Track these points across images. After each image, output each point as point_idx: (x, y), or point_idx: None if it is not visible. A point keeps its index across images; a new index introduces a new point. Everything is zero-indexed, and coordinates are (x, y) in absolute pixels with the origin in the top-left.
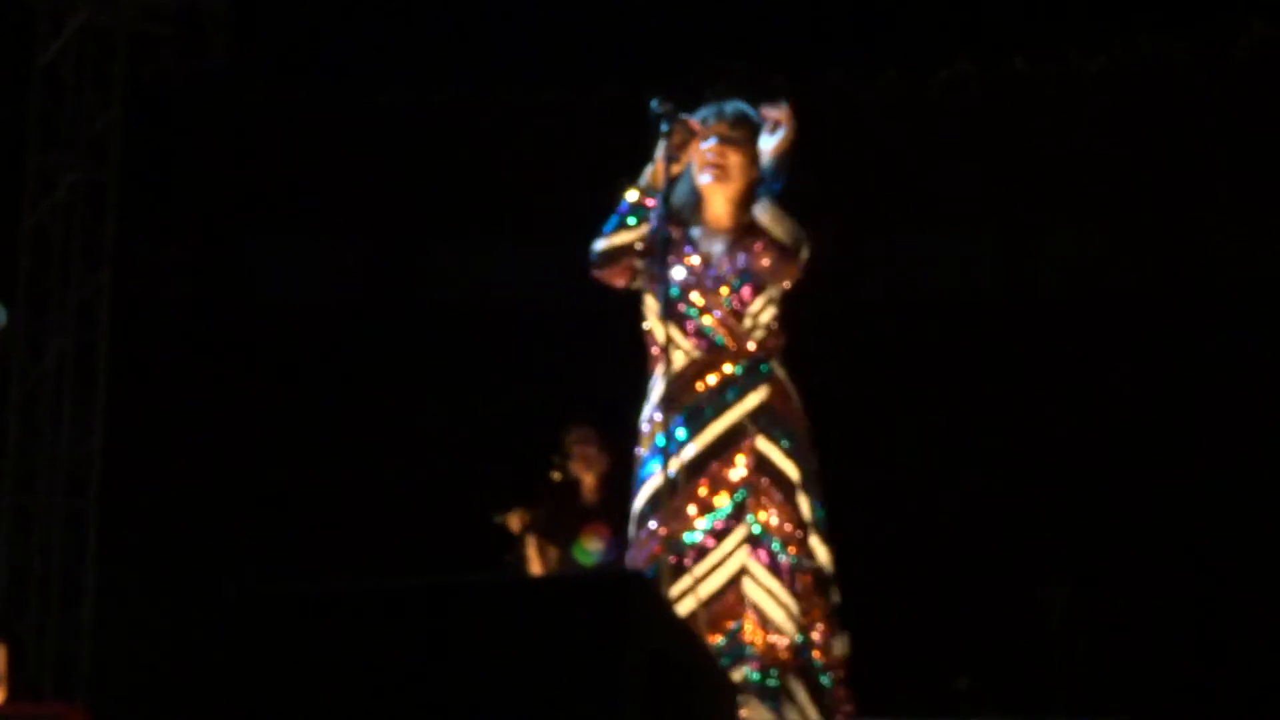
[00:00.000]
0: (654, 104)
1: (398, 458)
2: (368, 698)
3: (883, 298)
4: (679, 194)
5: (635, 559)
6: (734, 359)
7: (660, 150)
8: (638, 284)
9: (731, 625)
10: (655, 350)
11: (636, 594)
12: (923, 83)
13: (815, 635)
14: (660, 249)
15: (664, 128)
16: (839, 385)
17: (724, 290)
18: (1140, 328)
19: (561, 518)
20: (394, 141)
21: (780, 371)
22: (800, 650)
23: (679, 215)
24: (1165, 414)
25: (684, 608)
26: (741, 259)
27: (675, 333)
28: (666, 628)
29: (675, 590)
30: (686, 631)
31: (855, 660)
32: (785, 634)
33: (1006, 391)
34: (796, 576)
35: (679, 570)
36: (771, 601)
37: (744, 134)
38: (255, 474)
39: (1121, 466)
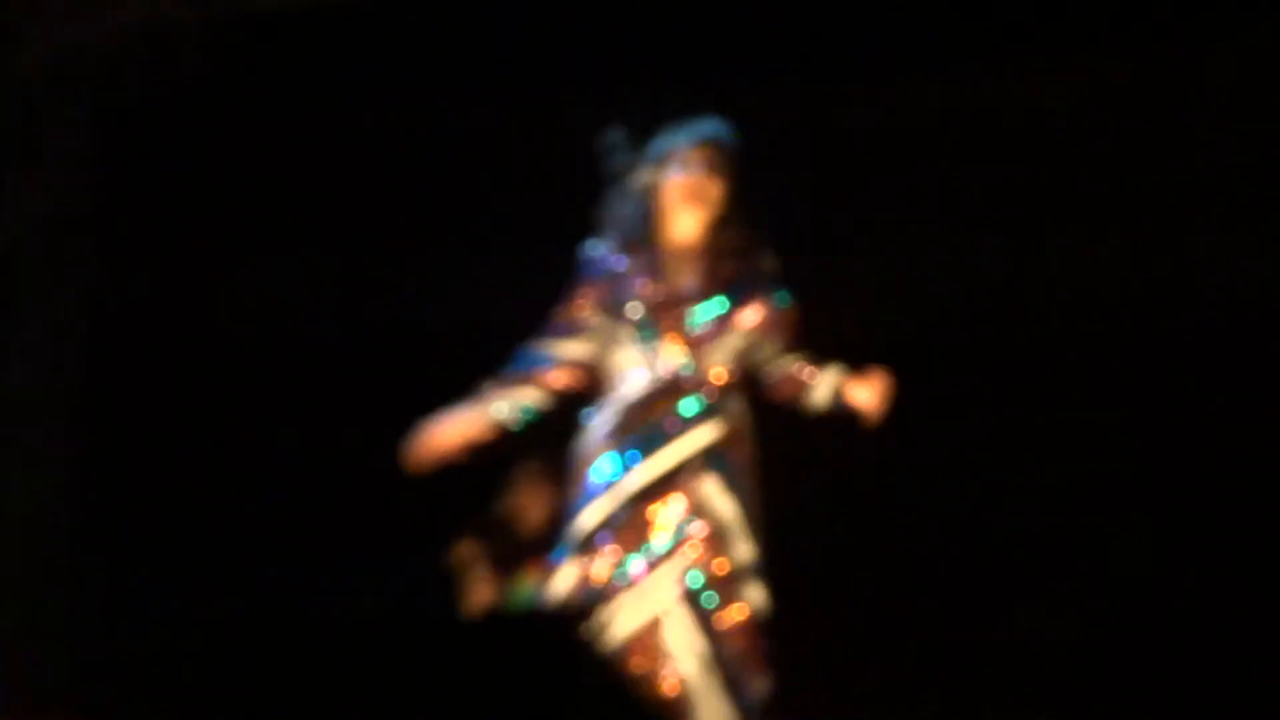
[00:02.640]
0: (611, 132)
1: (361, 472)
2: None
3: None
4: (629, 218)
5: (567, 588)
6: (693, 389)
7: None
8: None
9: (645, 663)
10: (603, 383)
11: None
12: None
13: (740, 687)
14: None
15: (619, 157)
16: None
17: (688, 315)
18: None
19: (502, 552)
20: (369, 160)
21: (738, 407)
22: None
23: (630, 239)
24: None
25: (608, 640)
26: (710, 283)
27: (633, 359)
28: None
29: (602, 621)
30: (620, 669)
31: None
32: (696, 671)
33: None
34: (721, 621)
35: (608, 602)
36: (686, 646)
37: (721, 158)
38: (229, 495)
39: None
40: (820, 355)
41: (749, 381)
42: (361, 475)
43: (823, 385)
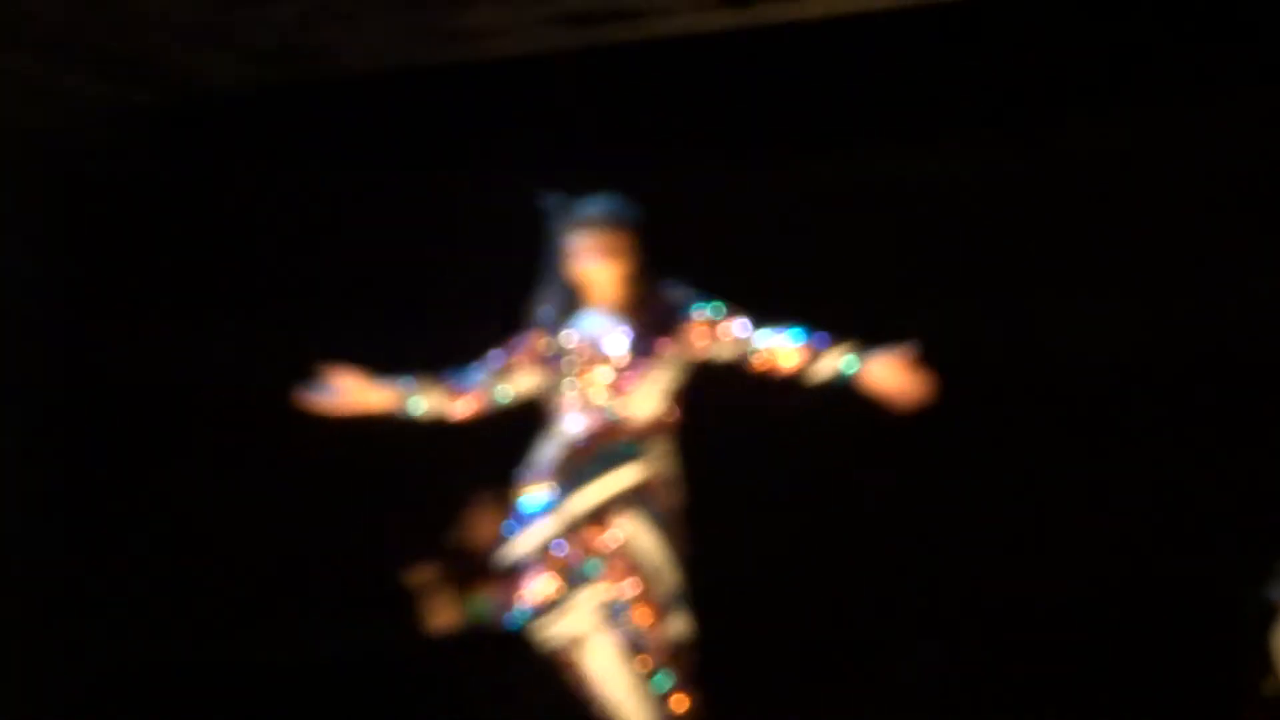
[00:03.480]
0: (547, 197)
1: (328, 519)
2: None
3: None
4: (559, 277)
5: (504, 605)
6: (618, 434)
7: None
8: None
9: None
10: (542, 423)
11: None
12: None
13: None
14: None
15: (553, 220)
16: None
17: (608, 367)
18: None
19: (459, 574)
20: (310, 225)
21: (662, 448)
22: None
23: (562, 296)
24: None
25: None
26: (630, 335)
27: (568, 402)
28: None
29: (534, 635)
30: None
31: None
32: (616, 691)
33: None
34: (640, 646)
35: (537, 620)
36: (607, 670)
37: (622, 222)
38: (186, 535)
39: None
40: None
41: (737, 368)
42: (315, 516)
43: (834, 360)
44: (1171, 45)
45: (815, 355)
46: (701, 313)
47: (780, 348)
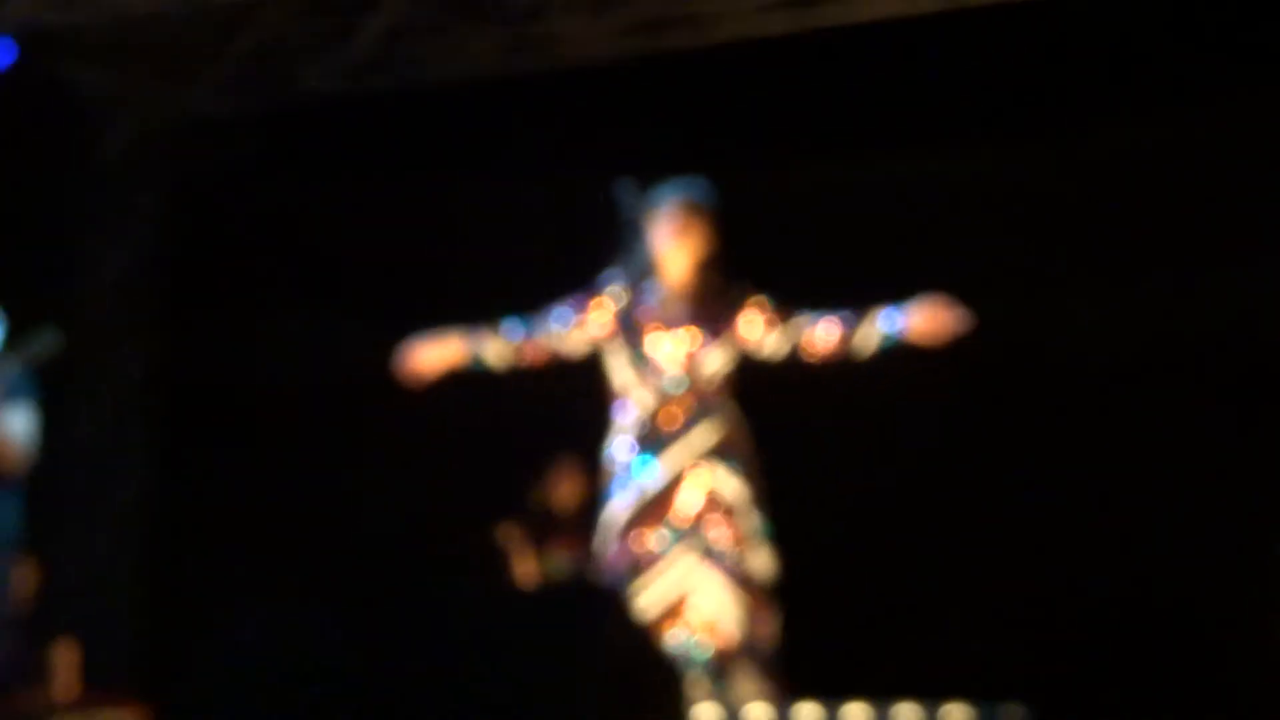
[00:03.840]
0: (621, 184)
1: (415, 487)
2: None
3: None
4: (638, 261)
5: (604, 570)
6: (690, 401)
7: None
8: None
9: (680, 627)
10: (618, 395)
11: (609, 605)
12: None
13: (756, 630)
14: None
15: (628, 204)
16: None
17: (681, 341)
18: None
19: (540, 534)
20: (403, 229)
21: (730, 409)
22: (742, 645)
23: (637, 277)
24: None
25: (644, 614)
26: (696, 316)
27: (637, 380)
28: (633, 634)
29: (637, 598)
30: (648, 636)
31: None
32: (728, 632)
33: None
34: (741, 583)
35: (640, 580)
36: (716, 606)
37: (700, 207)
38: (280, 516)
39: None
40: None
41: (786, 363)
42: (397, 494)
43: (875, 325)
44: (1186, 46)
45: (854, 328)
46: (751, 306)
47: (822, 332)
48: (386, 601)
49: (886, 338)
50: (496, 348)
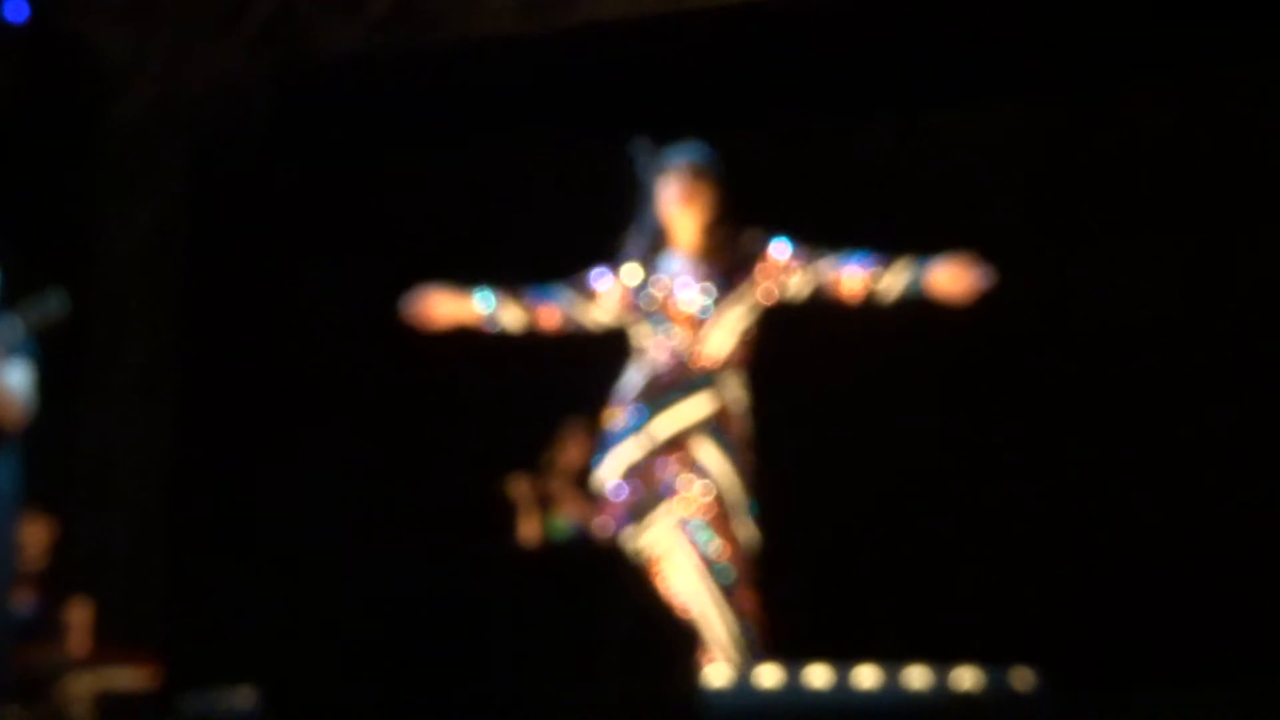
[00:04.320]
0: (636, 143)
1: (430, 445)
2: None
3: None
4: (649, 228)
5: (582, 524)
6: (694, 369)
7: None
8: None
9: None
10: (630, 360)
11: (617, 559)
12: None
13: (736, 599)
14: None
15: (642, 165)
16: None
17: (688, 305)
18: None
19: (546, 495)
20: (423, 189)
21: (733, 382)
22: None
23: (647, 240)
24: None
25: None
26: (706, 278)
27: (649, 340)
28: (641, 586)
29: (630, 550)
30: (655, 588)
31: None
32: (691, 606)
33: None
34: (708, 562)
35: (626, 536)
36: (681, 578)
37: (708, 172)
38: (304, 476)
39: None
40: None
41: (815, 299)
42: (417, 454)
43: (900, 274)
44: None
45: (880, 274)
46: (774, 252)
47: (848, 274)
48: (400, 555)
49: (910, 285)
50: (514, 311)
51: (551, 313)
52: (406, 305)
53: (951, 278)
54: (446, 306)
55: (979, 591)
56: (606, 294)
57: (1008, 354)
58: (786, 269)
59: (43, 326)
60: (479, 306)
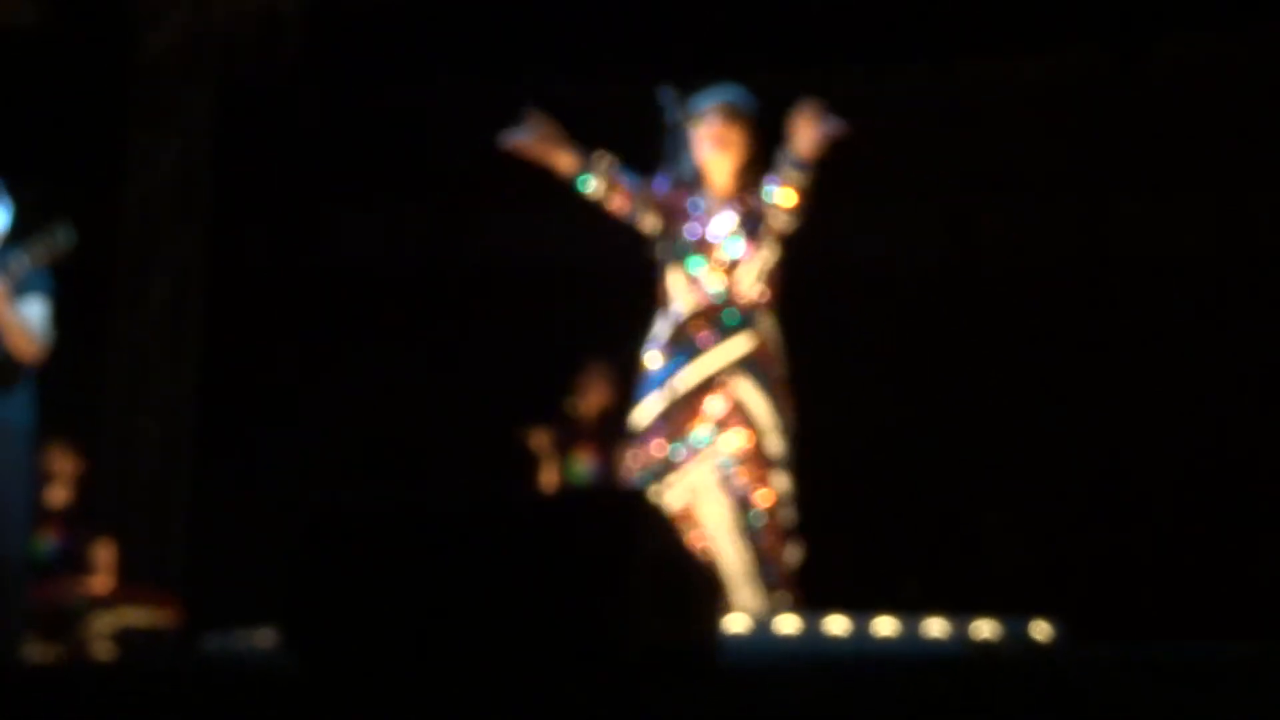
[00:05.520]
0: (663, 90)
1: (452, 389)
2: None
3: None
4: (684, 169)
5: (627, 470)
6: (728, 308)
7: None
8: (641, 221)
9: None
10: (661, 301)
11: (639, 506)
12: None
13: (766, 546)
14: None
15: (672, 110)
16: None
17: (722, 247)
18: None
19: (567, 439)
20: (447, 126)
21: (767, 322)
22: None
23: (684, 185)
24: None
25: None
26: (738, 219)
27: (680, 283)
28: (663, 533)
29: (654, 498)
30: (677, 535)
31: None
32: (727, 550)
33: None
34: (744, 506)
35: (657, 485)
36: (716, 522)
37: (742, 114)
38: (327, 413)
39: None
40: None
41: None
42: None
43: (781, 164)
44: None
45: (779, 172)
46: (770, 194)
47: (772, 189)
48: (423, 497)
49: (790, 165)
50: (602, 179)
51: (627, 195)
52: (516, 128)
53: (805, 134)
54: (550, 142)
55: (999, 543)
56: (662, 198)
57: (1035, 307)
58: (775, 205)
59: (51, 259)
60: (579, 159)
